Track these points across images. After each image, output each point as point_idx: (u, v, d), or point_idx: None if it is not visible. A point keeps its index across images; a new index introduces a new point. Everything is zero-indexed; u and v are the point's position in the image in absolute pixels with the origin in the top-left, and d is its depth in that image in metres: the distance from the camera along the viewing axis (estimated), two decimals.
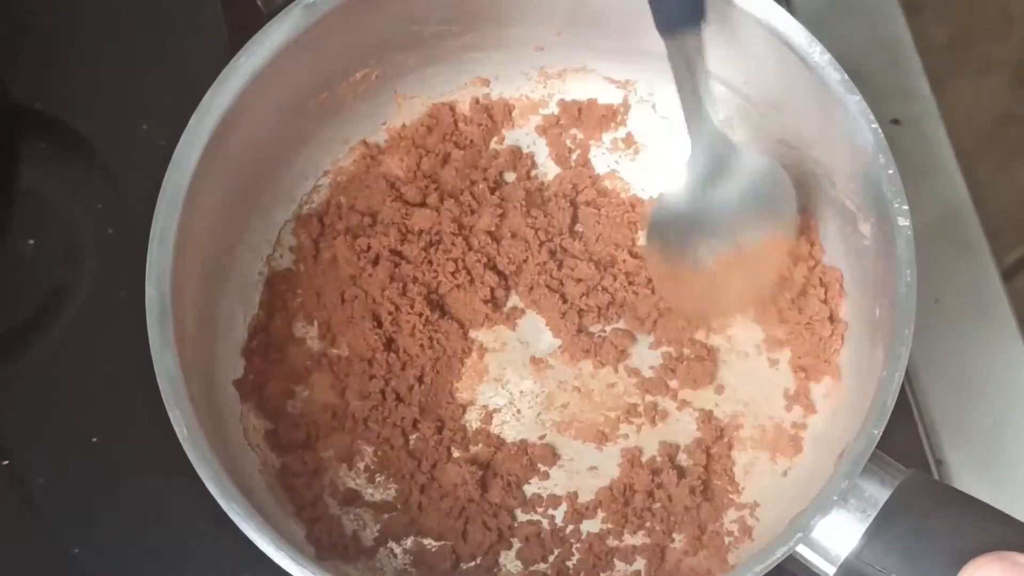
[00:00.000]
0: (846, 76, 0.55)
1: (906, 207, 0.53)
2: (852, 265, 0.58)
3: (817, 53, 0.55)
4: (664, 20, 0.51)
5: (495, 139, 0.64)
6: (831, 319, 0.58)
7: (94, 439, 0.62)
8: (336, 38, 0.58)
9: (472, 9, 0.61)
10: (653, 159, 0.65)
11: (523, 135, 0.65)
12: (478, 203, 0.62)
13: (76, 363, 0.64)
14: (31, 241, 0.68)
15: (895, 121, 0.74)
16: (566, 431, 0.59)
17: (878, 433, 0.49)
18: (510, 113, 0.65)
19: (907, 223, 0.53)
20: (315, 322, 0.61)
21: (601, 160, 0.64)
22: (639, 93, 0.64)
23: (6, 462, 0.62)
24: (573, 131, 0.64)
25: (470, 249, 0.61)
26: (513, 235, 0.62)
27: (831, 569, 0.48)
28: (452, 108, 0.64)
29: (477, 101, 0.64)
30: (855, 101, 0.55)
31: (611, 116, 0.64)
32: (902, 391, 0.64)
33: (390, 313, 0.60)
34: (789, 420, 0.59)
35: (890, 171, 0.53)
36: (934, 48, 0.81)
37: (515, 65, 0.64)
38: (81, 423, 0.62)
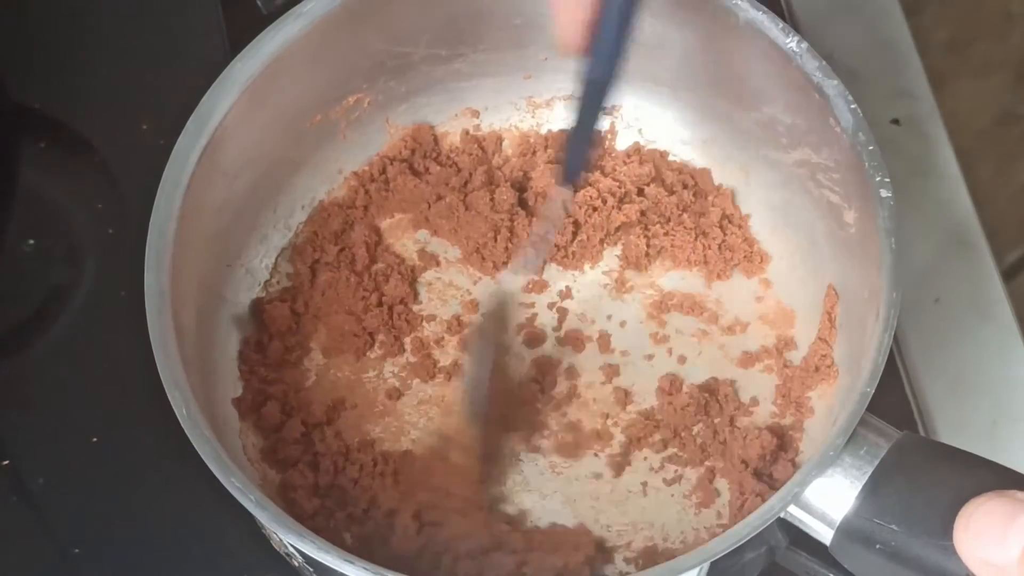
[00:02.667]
0: (824, 63, 0.56)
1: (888, 180, 0.53)
2: (843, 262, 0.58)
3: (795, 43, 0.56)
4: (564, 179, 0.55)
5: (483, 168, 0.64)
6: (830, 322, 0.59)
7: (94, 439, 0.62)
8: (329, 51, 0.59)
9: (458, 30, 0.62)
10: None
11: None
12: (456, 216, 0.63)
13: (76, 363, 0.64)
14: (31, 241, 0.68)
15: (895, 121, 0.74)
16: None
17: (871, 391, 0.49)
18: (500, 144, 0.65)
19: (889, 195, 0.53)
20: (313, 345, 0.61)
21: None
22: (626, 119, 0.65)
23: (6, 462, 0.62)
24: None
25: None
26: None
27: (829, 533, 0.48)
28: (434, 132, 0.65)
29: (467, 133, 0.65)
30: (833, 85, 0.55)
31: (599, 143, 0.65)
32: (902, 391, 0.64)
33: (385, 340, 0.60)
34: (785, 423, 0.59)
35: (870, 147, 0.54)
36: (934, 48, 0.81)
37: (504, 95, 0.65)
38: (81, 423, 0.62)
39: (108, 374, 0.64)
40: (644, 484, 0.58)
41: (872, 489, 0.47)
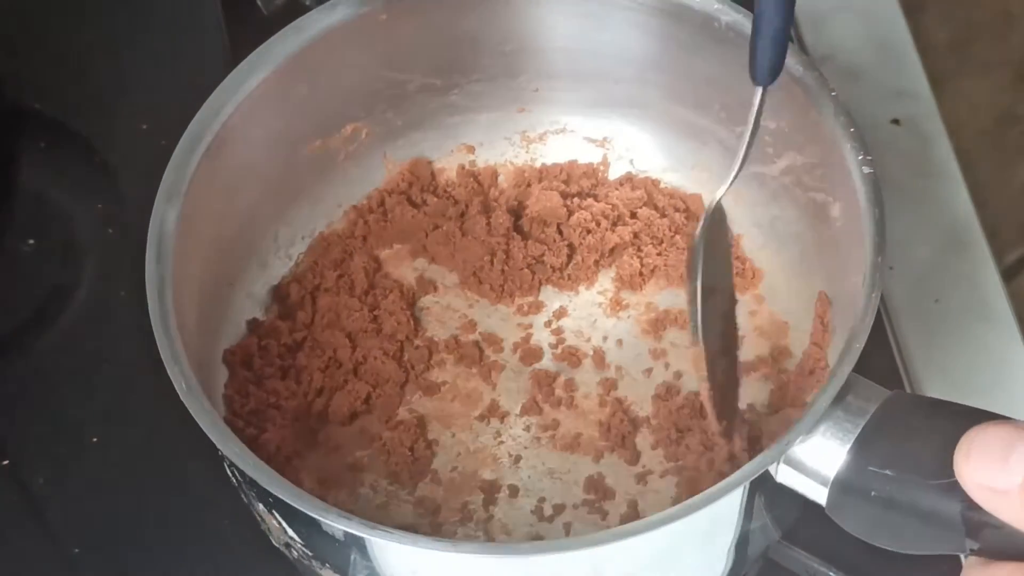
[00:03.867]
0: (805, 56, 0.56)
1: (870, 157, 0.53)
2: (831, 265, 0.58)
3: None
4: (761, 75, 0.52)
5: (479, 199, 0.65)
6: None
7: (94, 439, 0.62)
8: (327, 69, 0.59)
9: (451, 58, 0.62)
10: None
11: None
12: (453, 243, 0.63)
13: (76, 363, 0.64)
14: (31, 241, 0.68)
15: (895, 121, 0.74)
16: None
17: (859, 347, 0.49)
18: (496, 179, 0.66)
19: (871, 171, 0.53)
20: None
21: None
22: (617, 150, 0.66)
23: (6, 462, 0.62)
24: (556, 183, 0.65)
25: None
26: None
27: (823, 492, 0.48)
28: (431, 167, 0.65)
29: (464, 168, 0.66)
30: (814, 76, 0.55)
31: (592, 174, 0.65)
32: (903, 391, 0.64)
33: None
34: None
35: (851, 129, 0.54)
36: (934, 48, 0.81)
37: (498, 130, 0.65)
38: (81, 423, 0.62)
39: (108, 374, 0.64)
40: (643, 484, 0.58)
41: (864, 440, 0.47)
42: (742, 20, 0.57)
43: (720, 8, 0.57)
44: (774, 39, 0.50)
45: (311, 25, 0.58)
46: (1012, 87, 1.06)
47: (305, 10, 0.71)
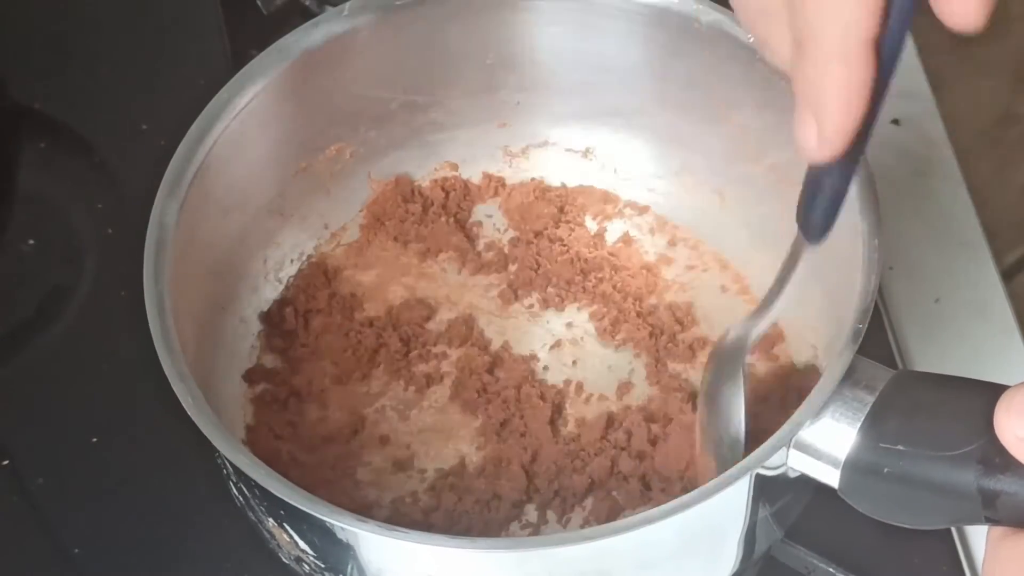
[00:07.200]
0: None
1: None
2: (824, 260, 0.58)
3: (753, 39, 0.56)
4: (814, 235, 0.49)
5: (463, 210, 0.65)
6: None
7: (94, 439, 0.62)
8: (311, 90, 0.59)
9: (432, 74, 0.62)
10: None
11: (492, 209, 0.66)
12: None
13: (76, 363, 0.64)
14: (31, 241, 0.68)
15: (895, 121, 0.74)
16: None
17: (863, 327, 0.49)
18: (481, 193, 0.66)
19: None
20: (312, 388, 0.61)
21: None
22: (600, 159, 0.65)
23: (6, 462, 0.62)
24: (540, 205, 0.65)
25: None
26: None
27: (836, 473, 0.47)
28: (412, 181, 0.65)
29: (448, 181, 0.66)
30: None
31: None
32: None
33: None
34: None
35: None
36: (934, 48, 0.81)
37: (480, 147, 0.65)
38: (81, 423, 0.62)
39: (108, 374, 0.64)
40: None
41: (874, 418, 0.47)
42: (722, 19, 0.57)
43: (700, 8, 0.57)
44: (834, 200, 0.46)
45: (293, 45, 0.58)
46: (1012, 87, 1.06)
47: (305, 10, 0.71)
